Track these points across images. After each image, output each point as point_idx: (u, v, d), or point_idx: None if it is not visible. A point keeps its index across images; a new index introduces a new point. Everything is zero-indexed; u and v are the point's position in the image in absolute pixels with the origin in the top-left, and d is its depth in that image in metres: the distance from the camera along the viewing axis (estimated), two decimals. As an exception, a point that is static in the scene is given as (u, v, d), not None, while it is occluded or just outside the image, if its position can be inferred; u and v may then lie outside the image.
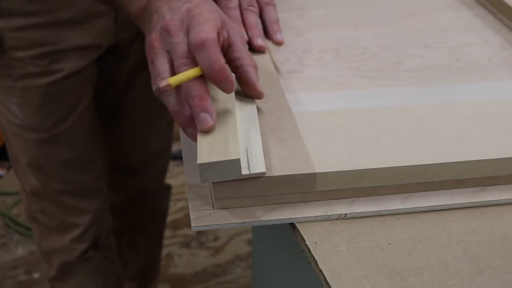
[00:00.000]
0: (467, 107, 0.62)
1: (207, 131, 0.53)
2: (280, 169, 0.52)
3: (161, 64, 0.57)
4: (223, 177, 0.50)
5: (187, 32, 0.57)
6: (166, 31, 0.57)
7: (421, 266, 0.49)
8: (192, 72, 0.55)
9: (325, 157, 0.54)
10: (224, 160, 0.49)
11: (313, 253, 0.50)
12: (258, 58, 0.69)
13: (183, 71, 0.55)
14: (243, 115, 0.58)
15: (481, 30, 0.82)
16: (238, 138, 0.53)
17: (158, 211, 1.35)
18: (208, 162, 0.49)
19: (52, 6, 0.86)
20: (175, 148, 2.01)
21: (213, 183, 0.52)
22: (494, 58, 0.75)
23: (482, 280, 0.48)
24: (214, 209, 0.53)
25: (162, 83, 0.55)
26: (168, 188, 1.35)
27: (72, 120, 0.95)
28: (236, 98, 0.59)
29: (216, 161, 0.50)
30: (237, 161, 0.50)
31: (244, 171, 0.51)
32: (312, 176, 0.53)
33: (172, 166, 2.10)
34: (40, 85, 0.90)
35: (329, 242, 0.51)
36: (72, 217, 1.05)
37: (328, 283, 0.47)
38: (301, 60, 0.74)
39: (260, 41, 0.72)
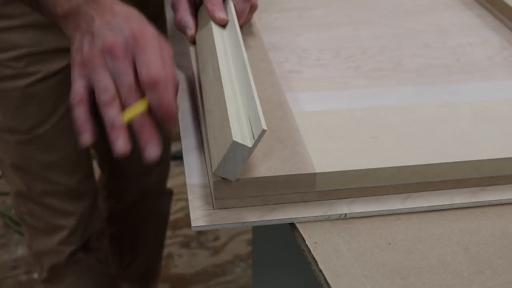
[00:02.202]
0: (467, 107, 0.62)
1: (151, 161, 0.55)
2: (280, 169, 0.52)
3: (106, 79, 0.58)
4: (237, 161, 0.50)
5: (133, 61, 0.57)
6: (110, 53, 0.58)
7: (421, 266, 0.49)
8: (142, 106, 0.56)
9: (325, 157, 0.54)
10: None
11: (313, 253, 0.50)
12: (258, 58, 0.69)
13: (130, 100, 0.56)
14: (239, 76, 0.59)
15: (481, 30, 0.82)
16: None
17: (159, 215, 1.35)
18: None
19: (28, 9, 0.85)
20: (175, 148, 2.01)
21: (213, 183, 0.52)
22: (494, 58, 0.75)
23: (482, 280, 0.48)
24: (214, 209, 0.53)
25: (118, 120, 0.56)
26: (170, 193, 1.35)
27: (52, 122, 0.95)
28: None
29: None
30: (236, 144, 0.49)
31: (251, 142, 0.50)
32: (312, 176, 0.53)
33: (172, 166, 2.09)
34: (17, 87, 0.90)
35: (329, 242, 0.51)
36: (57, 219, 1.04)
37: (328, 283, 0.47)
38: (301, 60, 0.74)
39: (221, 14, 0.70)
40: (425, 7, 0.88)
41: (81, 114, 0.58)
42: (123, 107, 0.57)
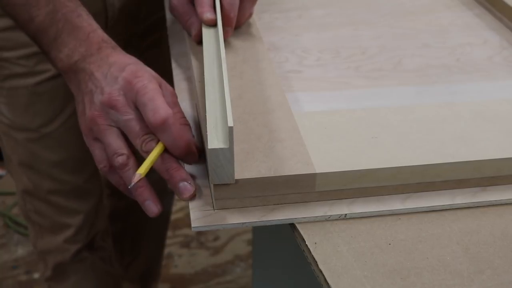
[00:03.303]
0: (467, 107, 0.62)
1: (190, 199, 0.54)
2: (280, 169, 0.52)
3: (114, 141, 0.57)
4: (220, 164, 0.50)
5: (136, 108, 0.56)
6: (110, 107, 0.57)
7: (421, 266, 0.49)
8: (157, 151, 0.55)
9: (325, 157, 0.54)
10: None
11: (313, 253, 0.50)
12: (258, 58, 0.69)
13: (147, 148, 0.56)
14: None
15: (481, 30, 0.82)
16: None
17: (161, 215, 1.35)
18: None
19: None
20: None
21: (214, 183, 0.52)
22: (494, 58, 0.75)
23: (482, 280, 0.48)
24: (214, 209, 0.53)
25: (134, 179, 0.55)
26: (172, 192, 1.35)
27: (61, 121, 0.95)
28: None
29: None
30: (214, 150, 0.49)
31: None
32: (312, 176, 0.53)
33: (172, 166, 2.10)
34: (27, 85, 0.90)
35: (329, 242, 0.51)
36: (64, 217, 1.05)
37: (328, 283, 0.47)
38: (301, 60, 0.74)
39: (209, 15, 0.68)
40: (424, 7, 0.88)
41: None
42: (142, 153, 0.56)
